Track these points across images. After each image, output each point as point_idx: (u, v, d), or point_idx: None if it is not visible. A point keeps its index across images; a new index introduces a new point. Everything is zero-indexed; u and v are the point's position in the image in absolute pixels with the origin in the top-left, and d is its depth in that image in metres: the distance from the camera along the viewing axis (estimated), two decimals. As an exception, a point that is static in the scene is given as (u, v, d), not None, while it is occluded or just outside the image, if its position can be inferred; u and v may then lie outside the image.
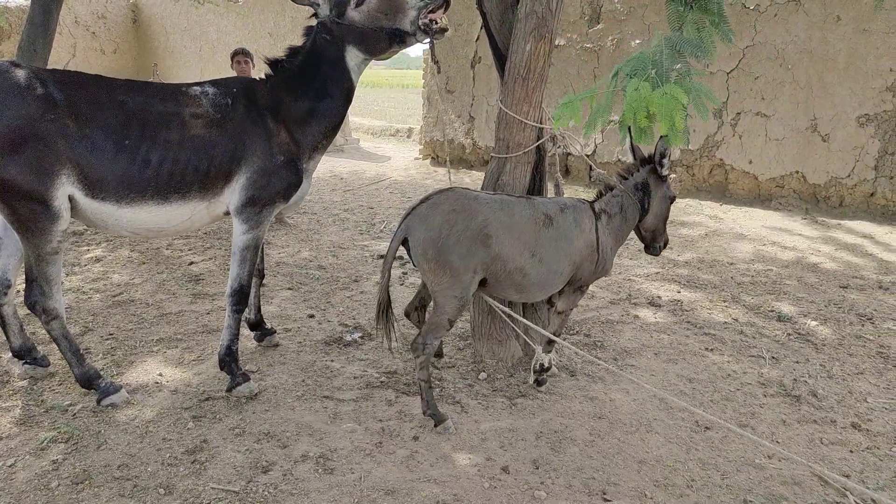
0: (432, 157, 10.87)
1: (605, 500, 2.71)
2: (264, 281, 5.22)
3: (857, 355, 4.16)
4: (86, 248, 6.03)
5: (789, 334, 4.48)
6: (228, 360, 3.46)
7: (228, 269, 5.54)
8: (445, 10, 3.37)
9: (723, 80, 8.00)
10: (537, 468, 2.91)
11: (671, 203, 3.51)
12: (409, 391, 3.56)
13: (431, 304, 3.33)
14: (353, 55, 3.39)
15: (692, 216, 7.75)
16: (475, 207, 3.13)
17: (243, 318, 4.05)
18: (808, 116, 7.57)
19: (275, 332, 4.13)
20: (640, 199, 3.44)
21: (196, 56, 14.07)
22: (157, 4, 14.78)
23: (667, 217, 3.54)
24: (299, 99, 3.37)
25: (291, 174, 3.38)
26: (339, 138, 12.31)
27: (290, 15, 12.09)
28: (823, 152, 7.56)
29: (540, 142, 3.68)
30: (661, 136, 3.35)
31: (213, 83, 3.34)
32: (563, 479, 2.84)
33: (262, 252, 3.93)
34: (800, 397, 3.60)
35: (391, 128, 15.57)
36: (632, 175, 3.47)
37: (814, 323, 4.64)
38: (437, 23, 3.33)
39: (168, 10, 14.38)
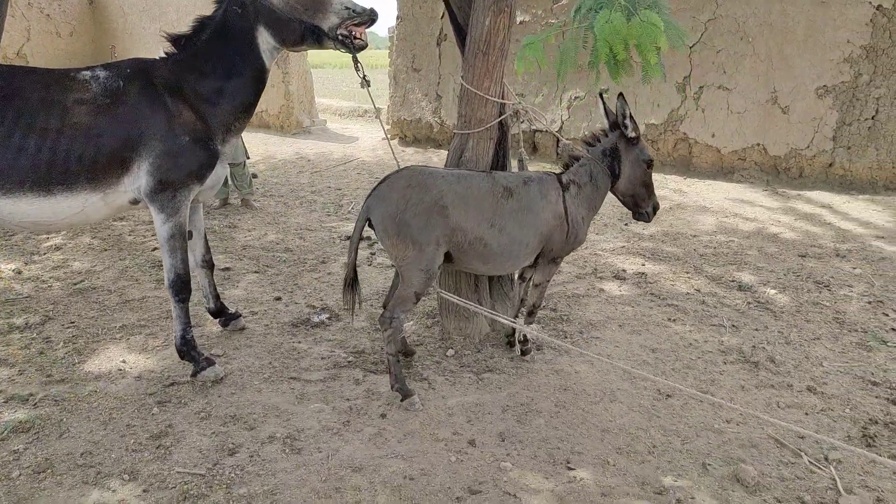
0: (400, 137, 10.80)
1: (570, 468, 2.77)
2: (230, 265, 5.19)
3: (814, 321, 4.28)
4: (45, 236, 5.89)
5: (749, 303, 4.58)
6: (186, 349, 3.42)
7: (192, 253, 5.49)
8: (370, 26, 3.31)
9: (685, 53, 8.06)
10: (503, 440, 2.96)
11: (648, 166, 3.42)
12: (377, 370, 3.57)
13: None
14: (264, 38, 3.29)
15: (657, 190, 7.81)
16: (430, 182, 3.17)
17: (205, 308, 4.02)
18: (768, 89, 7.68)
19: (240, 315, 4.10)
20: (609, 164, 3.42)
21: (155, 37, 13.68)
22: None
23: (646, 181, 3.45)
24: (205, 77, 3.23)
25: (202, 153, 3.23)
26: (305, 119, 12.15)
27: (252, -6, 11.82)
28: (783, 124, 7.68)
29: (502, 117, 3.68)
30: (620, 95, 3.37)
31: (106, 66, 3.18)
32: (529, 450, 2.88)
33: (206, 242, 3.87)
34: (758, 363, 3.69)
35: (359, 108, 15.41)
36: (599, 141, 3.46)
37: (773, 291, 4.76)
38: (357, 37, 3.27)
39: (125, -10, 13.96)
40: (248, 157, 7.14)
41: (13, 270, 4.99)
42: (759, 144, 7.89)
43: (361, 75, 3.42)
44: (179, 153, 3.16)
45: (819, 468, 2.79)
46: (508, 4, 3.45)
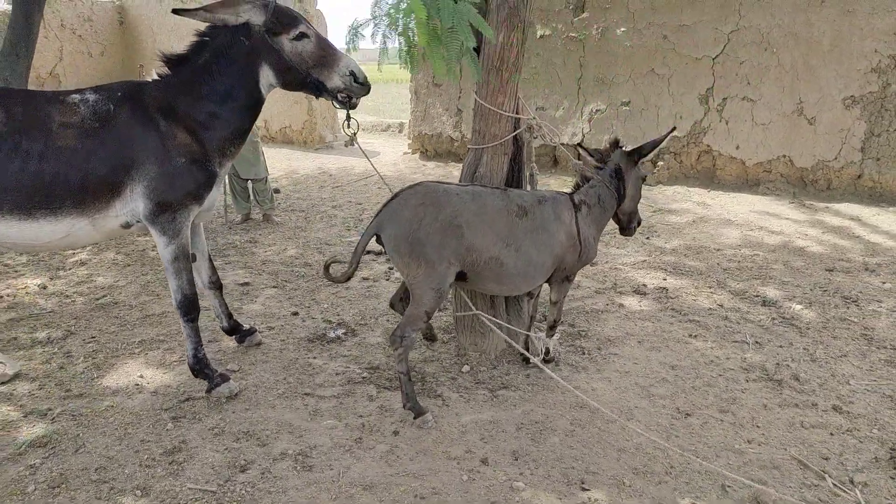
0: (421, 152, 10.83)
1: (584, 488, 2.71)
2: (249, 280, 5.23)
3: (841, 338, 4.15)
4: (71, 251, 6.01)
5: (774, 319, 4.47)
6: (199, 367, 3.42)
7: (199, 275, 5.56)
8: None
9: (708, 65, 7.97)
10: (517, 459, 2.91)
11: (643, 182, 3.61)
12: (391, 386, 3.55)
13: None
14: (265, 75, 3.30)
15: (680, 203, 7.73)
16: (444, 199, 3.15)
17: (220, 327, 4.03)
18: (793, 100, 7.54)
19: (255, 330, 4.10)
20: (616, 186, 3.49)
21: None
22: (143, 5, 14.65)
23: (639, 198, 3.63)
24: (201, 100, 3.21)
25: (200, 174, 3.21)
26: (328, 135, 12.28)
27: (276, 12, 12.04)
28: (810, 135, 7.54)
29: (516, 132, 3.66)
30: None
31: (96, 89, 3.15)
32: (543, 470, 2.83)
33: (212, 263, 3.83)
34: (782, 381, 3.59)
35: (382, 123, 15.52)
36: (605, 163, 3.49)
37: (799, 307, 4.64)
38: (352, 98, 3.35)
39: (154, 10, 14.27)
40: (268, 173, 7.22)
41: (39, 286, 5.10)
42: (784, 156, 7.75)
43: (351, 133, 3.53)
44: (176, 175, 3.13)
45: (844, 491, 2.69)
46: (521, 20, 3.45)
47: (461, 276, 3.26)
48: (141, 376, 3.65)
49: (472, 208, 3.17)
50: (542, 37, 9.09)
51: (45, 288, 5.06)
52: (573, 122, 9.05)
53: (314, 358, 3.91)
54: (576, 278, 5.33)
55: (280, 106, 12.31)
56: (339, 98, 3.34)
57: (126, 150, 3.06)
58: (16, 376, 3.61)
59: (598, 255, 5.92)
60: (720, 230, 6.67)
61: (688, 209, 7.49)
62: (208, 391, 3.40)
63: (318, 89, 3.33)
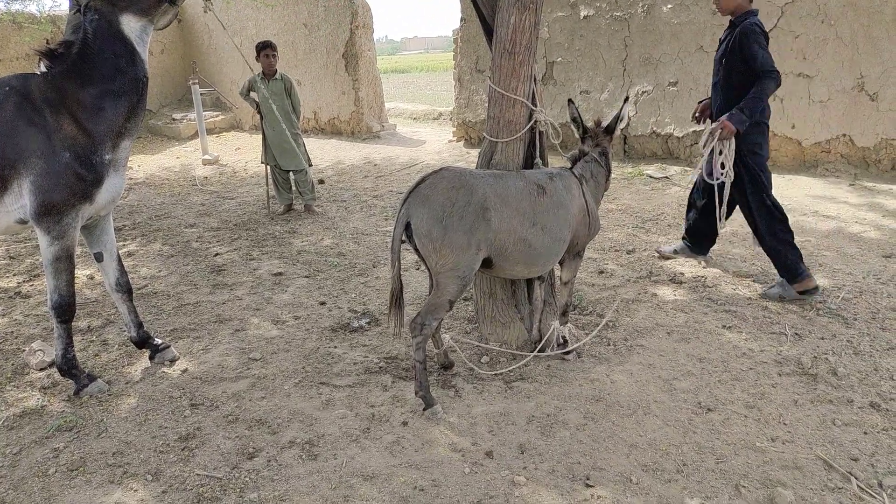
0: (465, 139, 10.75)
1: (588, 485, 2.63)
2: (283, 270, 5.31)
3: (891, 329, 3.88)
4: (121, 243, 6.27)
5: (818, 309, 4.22)
6: (66, 367, 3.43)
7: (251, 260, 5.68)
8: None
9: (761, 41, 7.55)
10: (522, 453, 2.85)
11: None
12: (407, 376, 3.55)
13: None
14: (129, 24, 3.15)
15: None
16: (473, 182, 3.13)
17: (127, 337, 3.91)
18: (853, 75, 7.06)
19: (168, 346, 3.85)
20: (606, 163, 3.63)
21: (235, 52, 14.33)
22: (199, 4, 15.12)
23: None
24: (86, 85, 3.10)
25: (86, 171, 3.11)
26: (375, 125, 12.34)
27: (323, 4, 12.14)
28: (872, 112, 7.04)
29: (531, 122, 3.57)
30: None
31: None
32: (547, 464, 2.76)
33: (121, 263, 3.70)
34: (817, 376, 3.39)
35: (434, 111, 15.51)
36: (598, 144, 3.62)
37: (847, 296, 4.36)
38: None
39: (209, 7, 14.73)
40: (311, 165, 7.31)
41: (87, 276, 5.34)
42: (844, 135, 7.28)
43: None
44: (61, 172, 3.06)
45: (870, 495, 2.51)
46: (534, 1, 3.35)
47: (486, 263, 3.22)
48: (167, 364, 3.77)
49: (498, 191, 3.16)
50: (585, 17, 8.83)
51: (92, 278, 5.30)
52: (618, 105, 8.76)
53: (335, 347, 3.94)
54: (610, 266, 5.20)
55: (328, 98, 12.46)
56: None
57: (11, 143, 3.01)
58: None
59: (637, 242, 5.74)
60: (770, 215, 6.32)
61: (737, 193, 7.14)
62: (76, 392, 3.41)
63: None
